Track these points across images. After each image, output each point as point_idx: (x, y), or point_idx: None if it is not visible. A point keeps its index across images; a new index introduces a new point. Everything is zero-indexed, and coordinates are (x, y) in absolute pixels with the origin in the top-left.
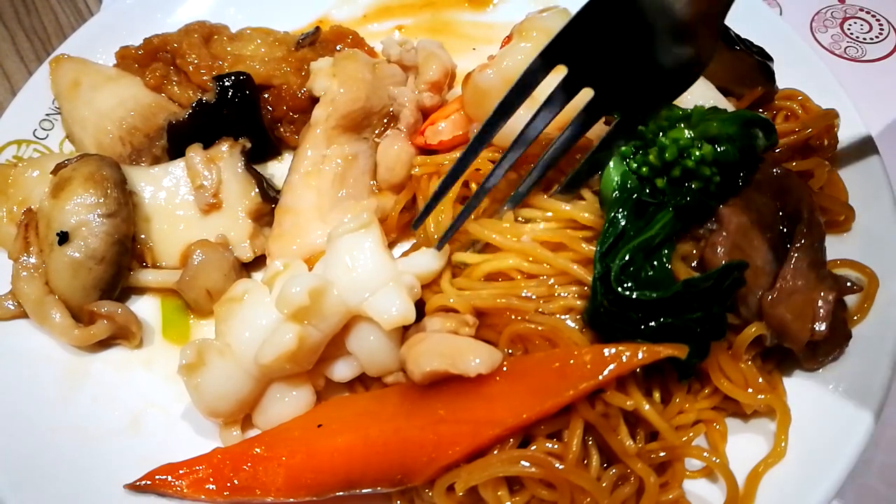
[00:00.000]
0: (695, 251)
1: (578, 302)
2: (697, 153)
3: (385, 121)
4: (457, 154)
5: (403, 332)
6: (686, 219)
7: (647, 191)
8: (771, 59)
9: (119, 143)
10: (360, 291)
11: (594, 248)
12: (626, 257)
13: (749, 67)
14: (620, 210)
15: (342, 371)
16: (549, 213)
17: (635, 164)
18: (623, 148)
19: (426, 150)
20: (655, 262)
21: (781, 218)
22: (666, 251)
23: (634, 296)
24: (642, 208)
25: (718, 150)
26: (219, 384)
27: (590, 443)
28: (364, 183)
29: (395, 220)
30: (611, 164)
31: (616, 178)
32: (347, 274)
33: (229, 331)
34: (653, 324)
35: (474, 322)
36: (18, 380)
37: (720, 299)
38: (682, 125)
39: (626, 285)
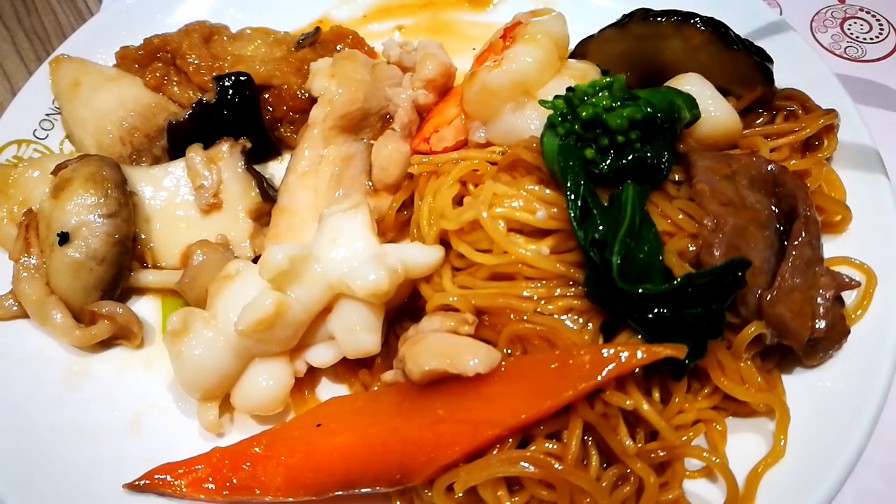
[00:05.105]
0: (691, 248)
1: (578, 302)
2: (621, 112)
3: (381, 123)
4: (454, 155)
5: (398, 337)
6: (641, 180)
7: (590, 160)
8: (770, 60)
9: (119, 143)
10: (341, 265)
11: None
12: (624, 252)
13: (748, 68)
14: (574, 178)
15: (321, 354)
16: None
17: (563, 130)
18: (550, 115)
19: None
20: (646, 247)
21: (778, 215)
22: (649, 227)
23: (640, 291)
24: (594, 178)
25: (638, 109)
26: (201, 354)
27: (589, 443)
28: (361, 183)
29: (392, 219)
30: (545, 135)
31: (553, 149)
32: (332, 249)
33: (217, 303)
34: (650, 316)
35: (474, 320)
36: (18, 380)
37: (720, 296)
38: (605, 93)
39: (628, 283)
